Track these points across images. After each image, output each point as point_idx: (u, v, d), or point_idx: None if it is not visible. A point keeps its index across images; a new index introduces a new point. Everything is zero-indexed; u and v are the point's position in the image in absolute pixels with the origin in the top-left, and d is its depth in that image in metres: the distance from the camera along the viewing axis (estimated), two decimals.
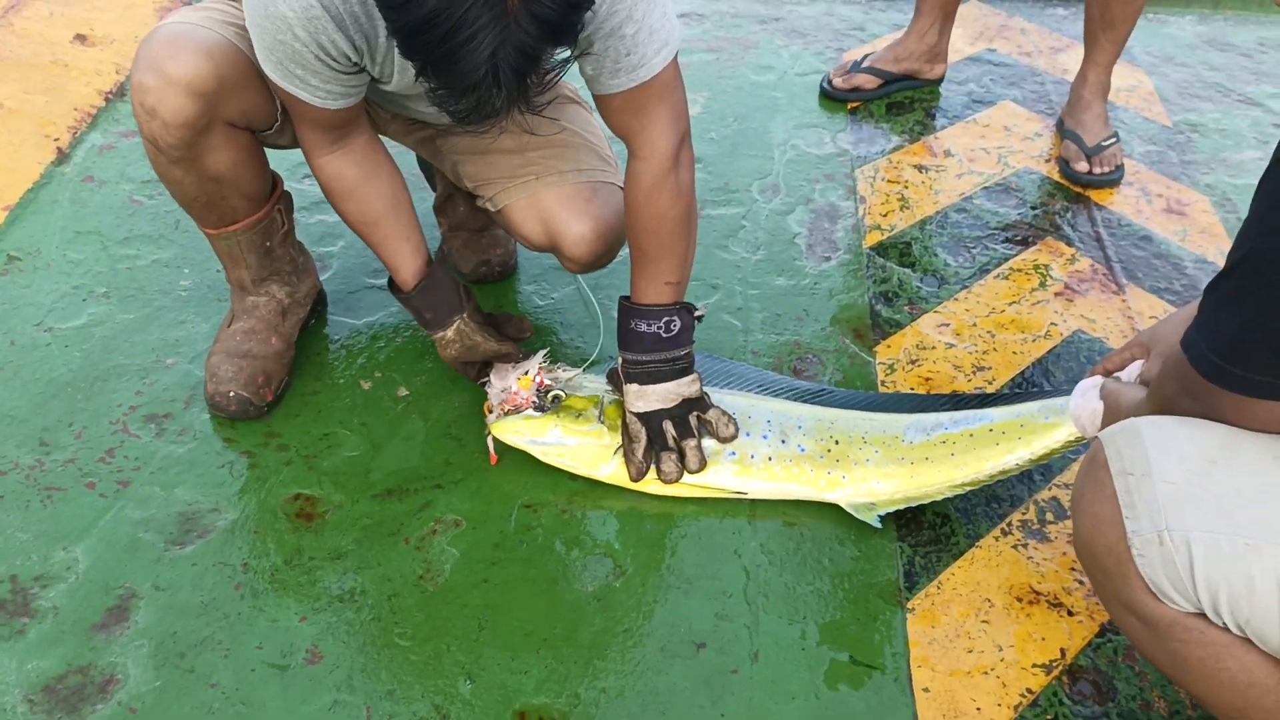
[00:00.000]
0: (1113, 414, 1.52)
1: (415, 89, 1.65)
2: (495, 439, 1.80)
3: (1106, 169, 2.56)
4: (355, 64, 1.52)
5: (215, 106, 1.64)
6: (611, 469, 1.78)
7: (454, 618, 1.61)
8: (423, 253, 1.75)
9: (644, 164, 1.67)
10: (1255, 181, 2.67)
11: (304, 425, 1.89)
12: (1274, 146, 2.67)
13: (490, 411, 1.82)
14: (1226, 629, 1.13)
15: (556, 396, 1.82)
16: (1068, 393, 1.67)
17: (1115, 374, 1.61)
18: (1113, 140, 2.59)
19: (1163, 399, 1.24)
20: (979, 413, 1.76)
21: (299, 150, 1.73)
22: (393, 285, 1.80)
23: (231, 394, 1.86)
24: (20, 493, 1.76)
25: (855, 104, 2.83)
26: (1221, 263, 2.32)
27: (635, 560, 1.70)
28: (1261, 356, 1.07)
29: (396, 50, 1.51)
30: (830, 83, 2.84)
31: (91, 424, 1.87)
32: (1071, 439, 1.66)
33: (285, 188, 1.92)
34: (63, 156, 2.50)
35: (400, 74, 1.58)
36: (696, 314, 1.78)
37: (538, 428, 1.79)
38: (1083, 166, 2.56)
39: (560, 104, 1.90)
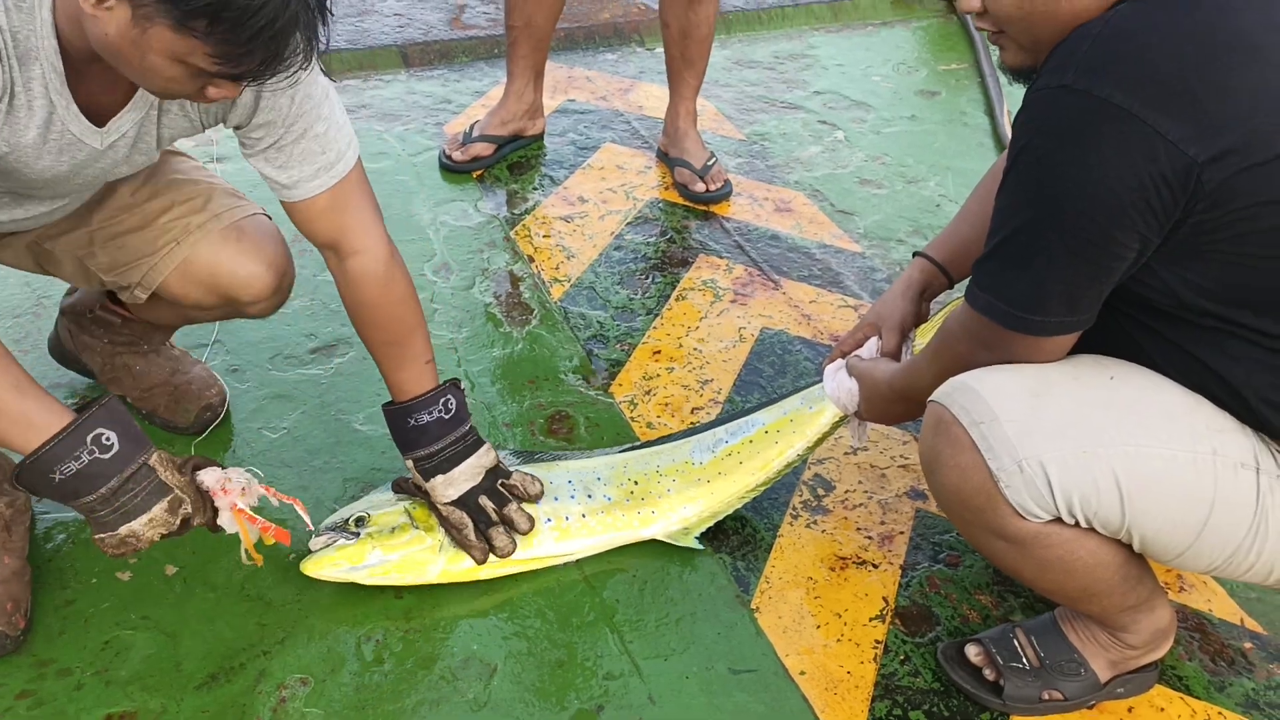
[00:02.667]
0: (869, 388, 1.77)
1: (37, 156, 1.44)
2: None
3: (718, 185, 2.86)
4: None
5: None
6: (439, 568, 1.75)
7: None
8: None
9: (368, 256, 1.68)
10: (828, 173, 3.11)
11: (75, 641, 1.66)
12: (827, 140, 3.15)
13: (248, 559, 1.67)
14: (1076, 525, 1.37)
15: (361, 519, 1.75)
16: (819, 380, 1.90)
17: (854, 353, 1.86)
18: (714, 160, 2.90)
19: (954, 357, 1.47)
20: (749, 419, 1.93)
21: None
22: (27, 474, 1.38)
23: None
24: None
25: (479, 172, 2.92)
26: (837, 243, 2.70)
27: (499, 653, 1.69)
28: (1055, 302, 1.32)
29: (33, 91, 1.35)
30: (450, 158, 2.92)
31: None
32: (836, 419, 1.88)
33: None
34: None
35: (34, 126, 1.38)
36: (460, 384, 1.79)
37: (355, 555, 1.72)
38: (700, 187, 2.85)
39: (165, 156, 1.79)
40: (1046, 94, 1.24)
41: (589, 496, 1.85)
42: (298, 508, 1.59)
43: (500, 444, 2.05)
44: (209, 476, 1.49)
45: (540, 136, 3.06)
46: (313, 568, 1.71)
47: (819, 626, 1.76)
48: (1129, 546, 1.41)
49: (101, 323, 2.00)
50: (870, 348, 1.84)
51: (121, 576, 1.76)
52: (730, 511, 1.89)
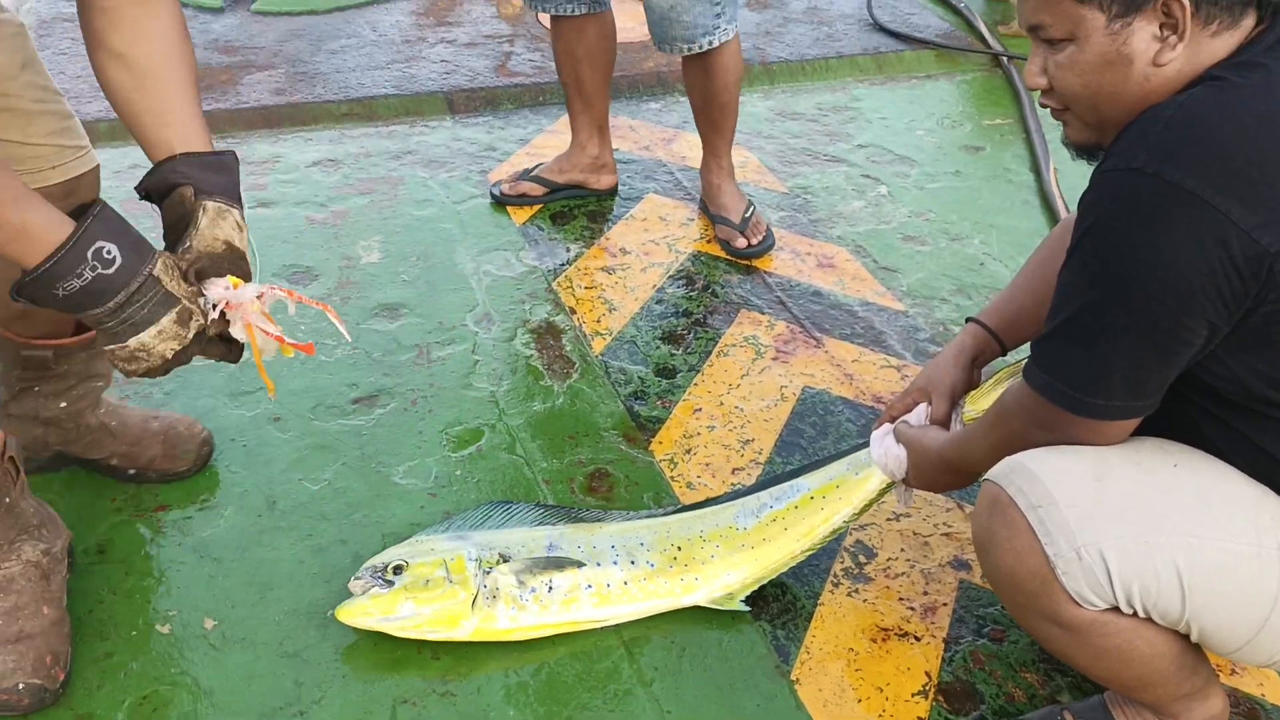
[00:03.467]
0: (918, 456, 1.74)
1: None
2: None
3: (759, 237, 2.85)
4: None
5: None
6: (472, 626, 1.73)
7: None
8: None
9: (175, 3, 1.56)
10: (871, 229, 3.09)
11: (114, 695, 1.65)
12: (870, 195, 3.14)
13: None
14: (1133, 615, 1.34)
15: (399, 567, 1.74)
16: (863, 444, 1.87)
17: (902, 418, 1.83)
18: (752, 209, 2.89)
19: (1009, 434, 1.45)
20: (794, 484, 1.91)
21: None
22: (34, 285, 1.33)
23: (20, 686, 1.58)
24: None
25: (523, 214, 2.92)
26: (880, 301, 2.68)
27: (537, 718, 1.66)
28: (1119, 385, 1.29)
29: None
30: (500, 190, 2.95)
31: None
32: (884, 485, 1.85)
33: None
34: None
35: None
36: None
37: (387, 605, 1.71)
38: (741, 242, 2.84)
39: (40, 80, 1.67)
40: (1115, 176, 1.23)
41: (631, 563, 1.83)
42: (330, 315, 1.51)
43: (539, 500, 2.04)
44: (214, 290, 1.43)
45: (608, 192, 3.05)
46: (345, 615, 1.71)
47: (860, 700, 1.73)
48: (1186, 636, 1.38)
49: (35, 365, 1.86)
50: (919, 414, 1.82)
51: (161, 629, 1.76)
52: (773, 577, 1.86)
